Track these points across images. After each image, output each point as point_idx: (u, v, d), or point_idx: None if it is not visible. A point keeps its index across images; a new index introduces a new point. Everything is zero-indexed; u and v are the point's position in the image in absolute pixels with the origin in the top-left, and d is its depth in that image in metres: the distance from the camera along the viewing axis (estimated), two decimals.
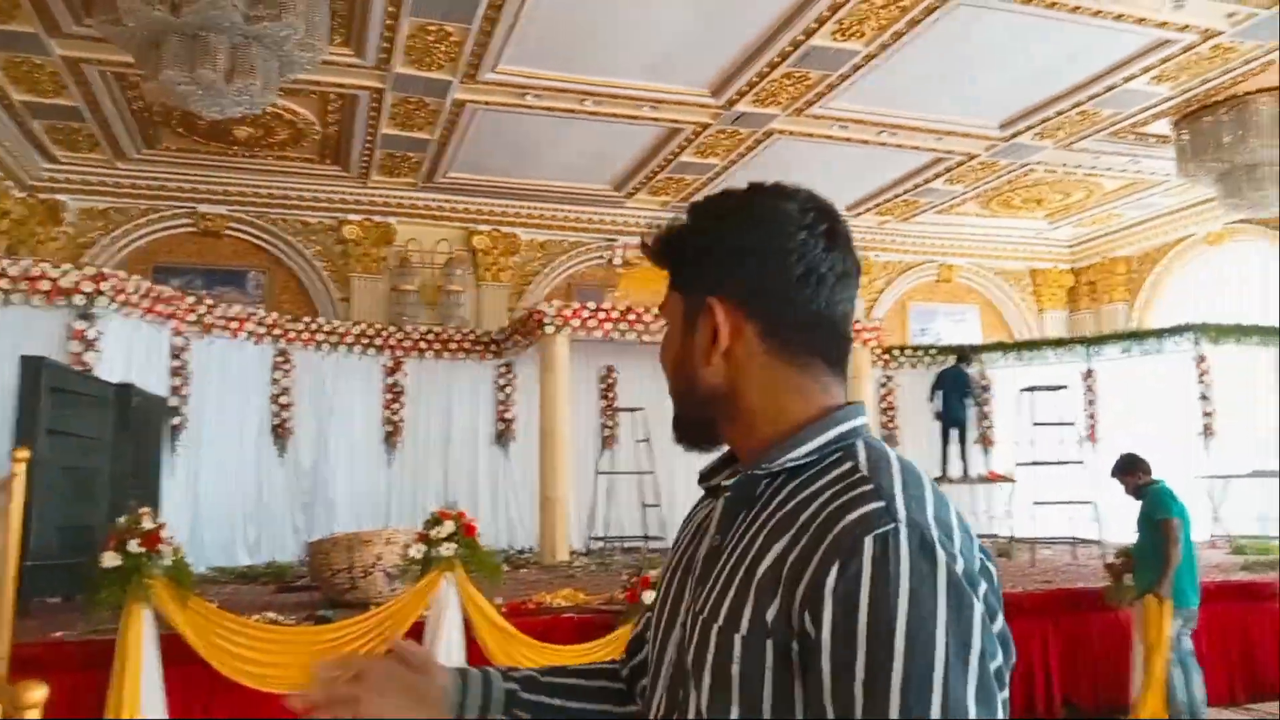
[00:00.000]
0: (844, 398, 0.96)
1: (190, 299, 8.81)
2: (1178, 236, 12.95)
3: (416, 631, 4.64)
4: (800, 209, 0.96)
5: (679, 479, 10.87)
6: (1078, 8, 7.34)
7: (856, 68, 8.38)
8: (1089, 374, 11.31)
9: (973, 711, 0.72)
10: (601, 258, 12.27)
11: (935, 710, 0.72)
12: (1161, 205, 12.47)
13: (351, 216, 11.45)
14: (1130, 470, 5.48)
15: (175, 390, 8.51)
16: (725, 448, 1.03)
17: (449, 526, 4.75)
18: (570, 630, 5.08)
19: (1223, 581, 6.52)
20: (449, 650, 4.55)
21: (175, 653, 4.32)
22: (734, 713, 0.82)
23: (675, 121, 9.55)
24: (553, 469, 8.86)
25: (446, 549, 4.71)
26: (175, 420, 8.46)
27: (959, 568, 0.78)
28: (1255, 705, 5.92)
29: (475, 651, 4.69)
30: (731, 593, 0.85)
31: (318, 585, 6.09)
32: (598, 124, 9.56)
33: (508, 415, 10.62)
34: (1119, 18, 7.51)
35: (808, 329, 0.94)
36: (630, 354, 10.82)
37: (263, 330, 9.58)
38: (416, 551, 4.75)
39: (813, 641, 0.77)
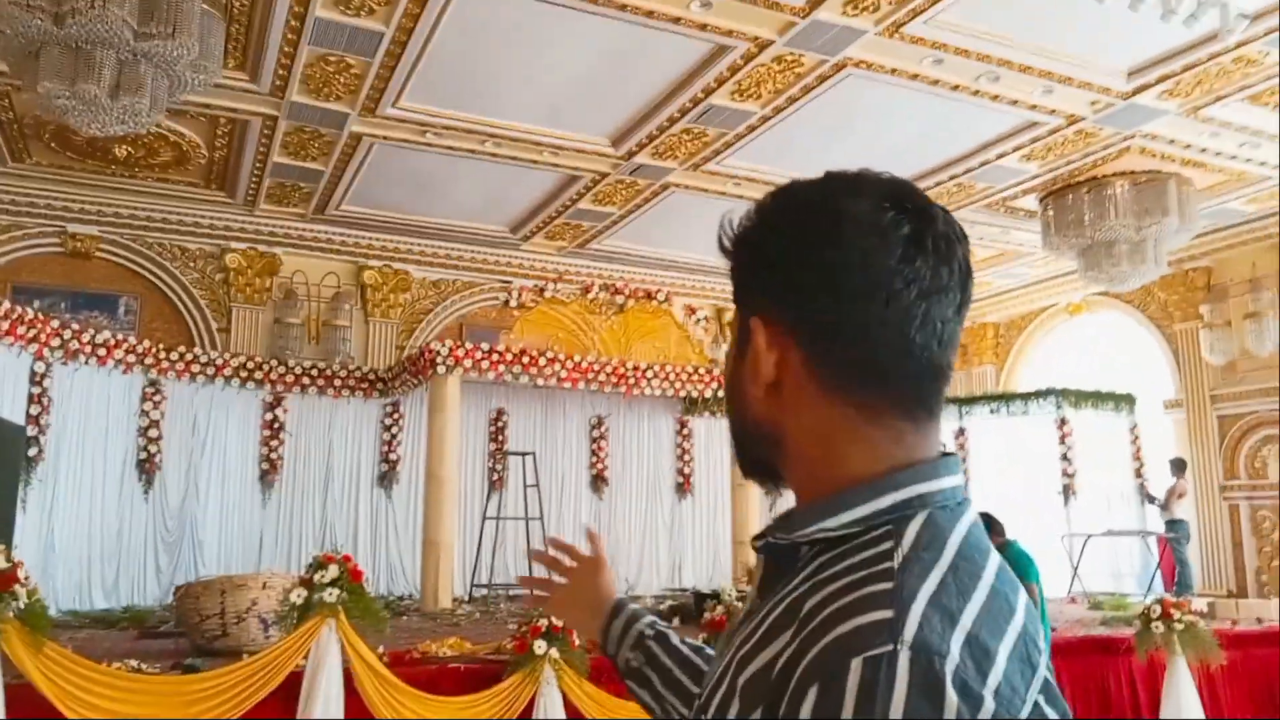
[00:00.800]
0: (926, 451, 0.76)
1: (55, 323, 8.31)
2: (1042, 305, 13.77)
3: (294, 681, 4.43)
4: (874, 206, 0.76)
5: (567, 524, 10.81)
6: (957, 86, 7.81)
7: (752, 128, 8.66)
8: (961, 432, 11.84)
9: None
10: (496, 299, 12.19)
11: None
12: (1028, 275, 13.25)
13: (235, 244, 11.05)
14: (995, 530, 5.74)
15: (33, 419, 7.98)
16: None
17: (334, 571, 4.57)
18: (457, 680, 4.94)
19: (1083, 636, 6.87)
20: (328, 700, 4.36)
21: (24, 702, 4.00)
22: None
23: (574, 168, 9.63)
24: (438, 512, 8.66)
25: (330, 595, 4.53)
26: (32, 451, 7.91)
27: (981, 715, 0.59)
28: None
29: (355, 703, 4.51)
30: (725, 684, 0.71)
31: (184, 632, 5.75)
32: (497, 166, 9.55)
33: (392, 456, 10.36)
34: (995, 98, 8.01)
35: (872, 362, 0.74)
36: (522, 397, 10.76)
37: (133, 359, 9.10)
38: (297, 597, 4.55)
39: None
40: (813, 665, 0.62)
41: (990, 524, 5.68)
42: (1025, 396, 11.68)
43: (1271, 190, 10.00)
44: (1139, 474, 11.38)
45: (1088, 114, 8.27)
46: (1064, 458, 11.08)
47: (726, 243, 0.85)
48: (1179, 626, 6.02)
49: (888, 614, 0.62)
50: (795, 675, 0.63)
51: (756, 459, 0.82)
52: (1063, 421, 11.15)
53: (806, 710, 0.60)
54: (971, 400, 12.12)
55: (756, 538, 0.82)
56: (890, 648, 0.60)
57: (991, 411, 11.70)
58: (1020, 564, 5.47)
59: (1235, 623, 7.65)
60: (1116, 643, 6.64)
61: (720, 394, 10.34)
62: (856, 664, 0.60)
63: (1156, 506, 11.09)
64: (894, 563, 0.67)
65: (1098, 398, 11.36)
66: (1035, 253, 11.92)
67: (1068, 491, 11.01)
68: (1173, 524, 10.61)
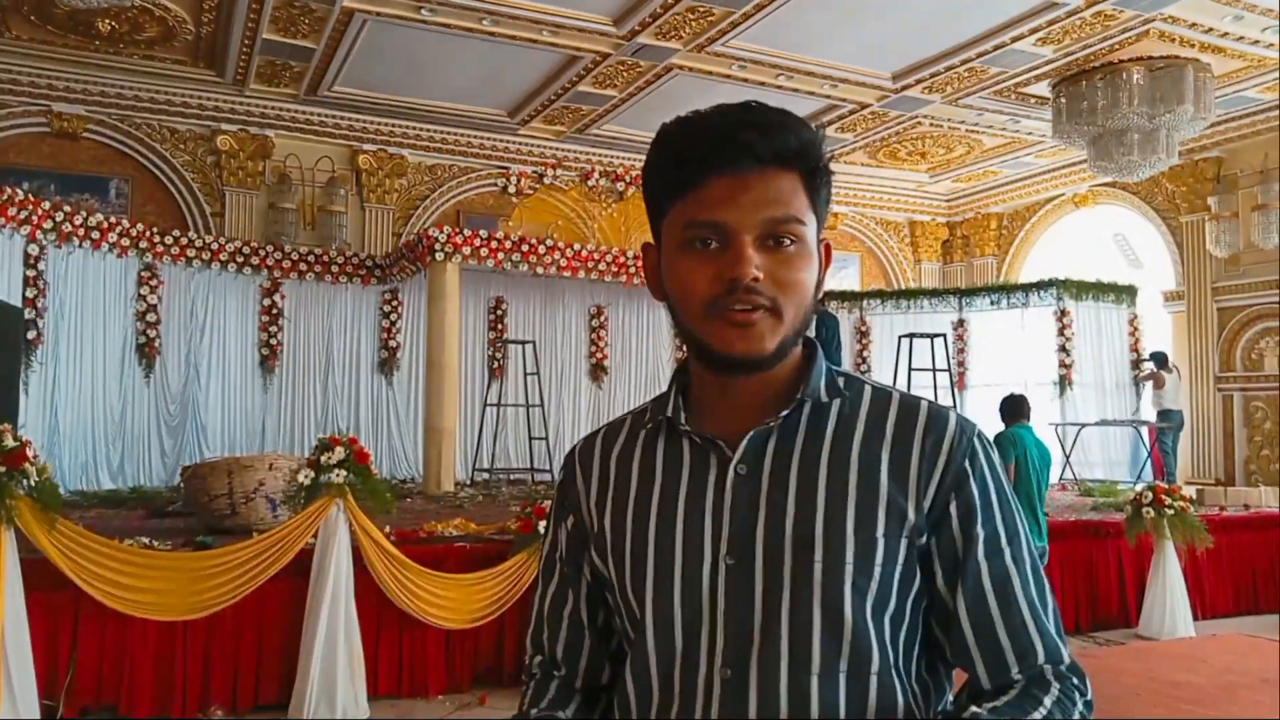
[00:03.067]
0: None
1: (46, 205, 8.16)
2: (1047, 196, 13.59)
3: (304, 558, 4.52)
4: None
5: (567, 412, 10.91)
6: None
7: (760, 6, 8.34)
8: (960, 324, 11.84)
9: None
10: (494, 185, 11.98)
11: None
12: (1035, 165, 13.03)
13: (225, 126, 10.77)
14: (1007, 413, 5.85)
15: (30, 302, 7.91)
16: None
17: (340, 453, 4.61)
18: (462, 559, 5.05)
19: (1074, 520, 7.03)
20: (338, 577, 4.46)
21: (39, 579, 4.08)
22: (868, 611, 0.96)
23: (575, 48, 9.32)
24: (439, 399, 8.71)
25: (337, 475, 4.58)
26: (31, 334, 7.88)
27: None
28: (1098, 633, 6.45)
29: (365, 580, 4.61)
30: (851, 503, 0.97)
31: (193, 511, 5.84)
32: (494, 45, 9.23)
33: (392, 343, 10.35)
34: None
35: None
36: (521, 286, 10.70)
37: (127, 243, 8.97)
38: (305, 477, 4.60)
39: (953, 518, 0.99)
40: (955, 443, 1.03)
41: (1019, 405, 5.83)
42: (1026, 288, 11.63)
43: None
44: (1135, 365, 11.44)
45: None
46: (1062, 349, 11.11)
47: (819, 157, 1.02)
48: (1169, 512, 6.15)
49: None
50: (941, 456, 1.02)
51: (782, 354, 1.01)
52: (1063, 313, 11.14)
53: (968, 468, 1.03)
54: (972, 291, 12.08)
55: (660, 421, 1.08)
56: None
57: (992, 303, 11.68)
58: (1002, 445, 5.59)
59: (1224, 509, 7.82)
60: (1106, 526, 6.80)
61: None
62: (977, 437, 1.07)
63: (1139, 385, 11.23)
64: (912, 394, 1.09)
65: (1099, 289, 11.31)
66: (1044, 141, 11.69)
67: (1064, 382, 11.08)
68: (1164, 414, 10.73)
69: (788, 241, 0.98)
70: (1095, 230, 13.53)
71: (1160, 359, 11.02)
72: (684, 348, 1.06)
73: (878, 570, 0.96)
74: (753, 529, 0.98)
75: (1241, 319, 11.24)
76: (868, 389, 1.05)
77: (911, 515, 0.97)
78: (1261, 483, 9.92)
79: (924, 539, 0.98)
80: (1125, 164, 9.63)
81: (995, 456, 1.02)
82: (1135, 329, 11.53)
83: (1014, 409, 5.91)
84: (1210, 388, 11.38)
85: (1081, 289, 11.19)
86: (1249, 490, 8.98)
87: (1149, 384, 11.00)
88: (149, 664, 4.37)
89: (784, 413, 1.00)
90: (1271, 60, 9.29)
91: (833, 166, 1.05)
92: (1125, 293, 11.55)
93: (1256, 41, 8.84)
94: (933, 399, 1.10)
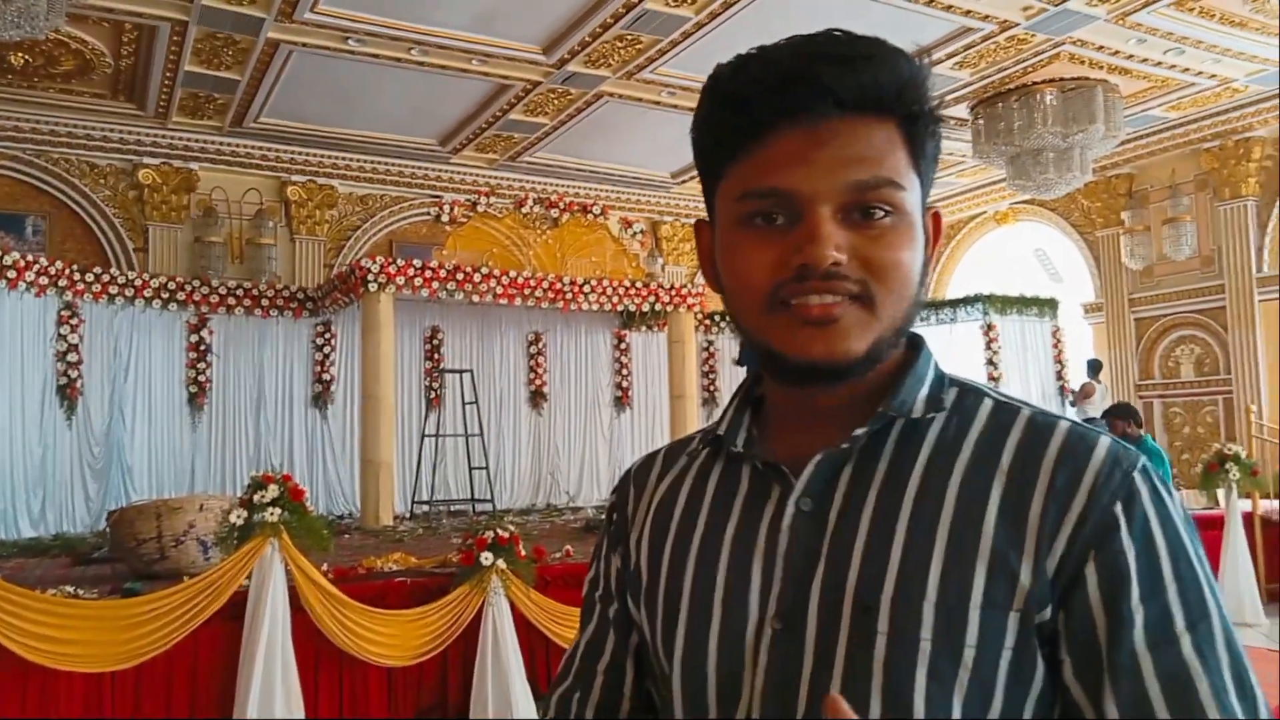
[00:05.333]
0: None
1: None
2: (970, 215, 13.99)
3: (238, 601, 4.40)
4: None
5: (507, 440, 10.84)
6: None
7: (686, 34, 8.48)
8: None
9: None
10: (426, 214, 11.90)
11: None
12: (957, 185, 13.40)
13: (148, 160, 10.54)
14: (1122, 416, 6.04)
15: None
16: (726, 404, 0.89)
17: (273, 490, 4.51)
18: (404, 594, 4.96)
19: None
20: (274, 618, 4.35)
21: None
22: (956, 712, 0.69)
23: (505, 77, 9.34)
24: (375, 432, 8.58)
25: (271, 514, 4.48)
26: None
27: None
28: None
29: (302, 620, 4.51)
30: (937, 555, 0.71)
31: (119, 557, 5.64)
32: (424, 75, 9.22)
33: (325, 376, 10.18)
34: (930, 3, 7.96)
35: None
36: (457, 314, 10.63)
37: (45, 281, 8.69)
38: (237, 517, 4.49)
39: (1090, 587, 0.69)
40: (1101, 485, 0.73)
41: (1130, 413, 6.02)
42: (953, 303, 11.93)
43: (1192, 96, 10.21)
44: (1060, 376, 11.79)
45: (1020, 19, 8.28)
46: (990, 362, 11.41)
47: (925, 98, 0.78)
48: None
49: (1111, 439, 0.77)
50: (1077, 503, 0.73)
51: (883, 352, 0.78)
52: (989, 327, 11.44)
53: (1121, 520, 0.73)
54: None
55: (720, 442, 0.86)
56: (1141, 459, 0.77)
57: (921, 319, 11.87)
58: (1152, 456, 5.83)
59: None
60: None
61: (657, 308, 10.35)
62: (1138, 475, 0.74)
63: (1070, 405, 11.57)
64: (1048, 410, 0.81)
65: (1022, 303, 11.66)
66: (965, 161, 12.04)
67: None
68: (1090, 422, 11.05)
69: (880, 213, 0.74)
70: (1017, 246, 13.96)
71: (1095, 366, 11.39)
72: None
73: (969, 654, 0.69)
74: (808, 585, 0.75)
75: (1158, 328, 11.68)
76: (987, 403, 0.79)
77: (1027, 578, 0.70)
78: (1184, 487, 10.28)
79: (1048, 613, 0.70)
80: (1042, 182, 9.98)
81: (1171, 502, 0.72)
82: (1058, 341, 11.90)
83: (1138, 417, 6.14)
84: (1131, 395, 11.78)
85: (1006, 303, 11.52)
86: None
87: (1083, 399, 11.32)
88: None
89: (860, 431, 0.76)
90: (1175, 80, 9.73)
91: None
92: (1047, 306, 11.93)
93: (1159, 63, 9.25)
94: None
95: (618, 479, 0.97)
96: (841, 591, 0.73)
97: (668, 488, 0.89)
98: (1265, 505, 7.78)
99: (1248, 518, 7.33)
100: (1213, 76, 9.64)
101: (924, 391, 0.79)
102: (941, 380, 0.81)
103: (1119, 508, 0.70)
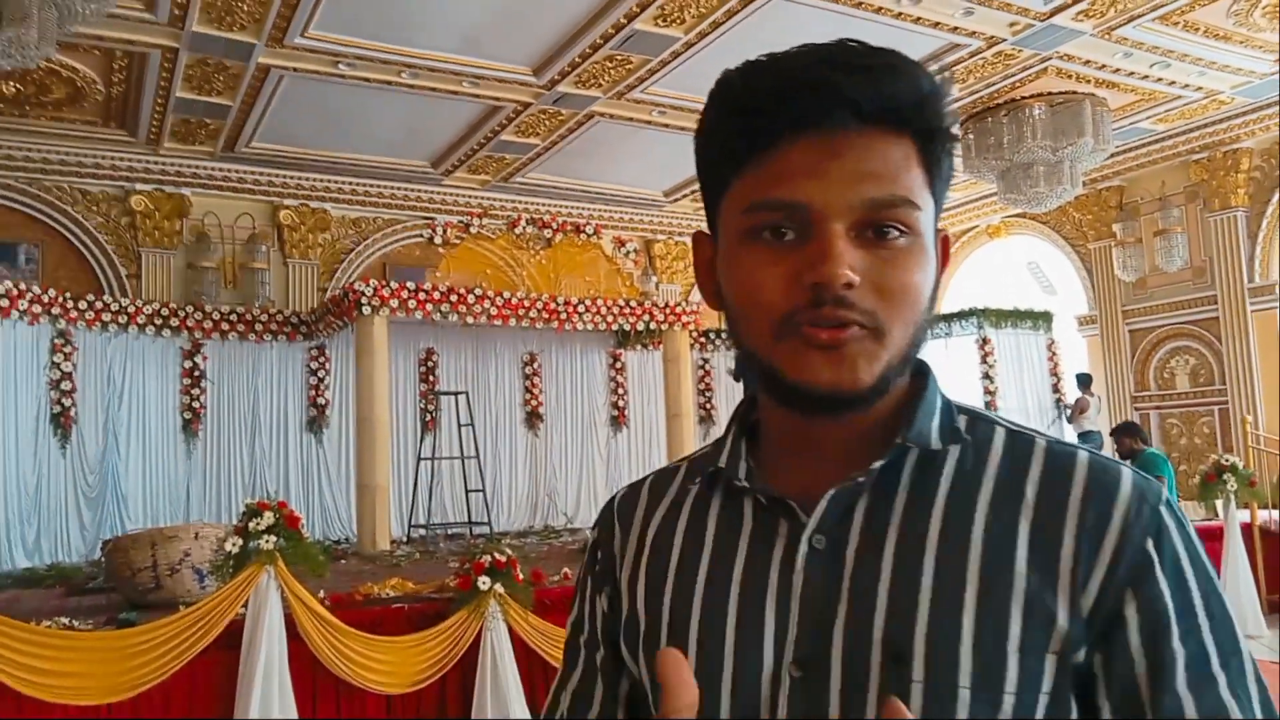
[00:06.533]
0: None
1: None
2: (963, 228, 14.04)
3: (234, 630, 4.37)
4: None
5: (504, 462, 10.81)
6: (880, 9, 7.79)
7: (676, 54, 8.52)
8: None
9: None
10: (419, 236, 11.91)
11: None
12: (950, 199, 13.34)
13: (140, 186, 10.54)
14: (1128, 433, 6.10)
15: None
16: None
17: (269, 518, 4.48)
18: (400, 621, 4.93)
19: None
20: (271, 647, 4.31)
21: None
22: None
23: (496, 99, 9.38)
24: (371, 455, 8.55)
25: (266, 542, 4.45)
26: None
27: None
28: None
29: (299, 648, 4.47)
30: (970, 598, 0.68)
31: (115, 587, 5.60)
32: (415, 97, 9.24)
33: (320, 400, 10.15)
34: (916, 20, 8.02)
35: None
36: (452, 336, 10.62)
37: (39, 309, 8.67)
38: (233, 545, 4.46)
39: (1132, 629, 0.67)
40: (1131, 519, 0.71)
41: (1135, 430, 6.11)
42: (948, 317, 11.95)
43: (1180, 109, 10.28)
44: (1056, 389, 11.80)
45: (1006, 35, 8.34)
46: (985, 376, 11.42)
47: (944, 115, 0.74)
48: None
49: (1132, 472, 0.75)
50: (1110, 540, 0.70)
51: (890, 381, 0.74)
52: (984, 341, 11.46)
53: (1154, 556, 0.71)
54: None
55: (715, 472, 0.81)
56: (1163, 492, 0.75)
57: None
58: (1157, 467, 5.91)
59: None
60: None
61: (652, 327, 10.36)
62: (1164, 508, 0.73)
63: (1066, 421, 11.58)
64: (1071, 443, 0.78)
65: (1017, 316, 11.69)
66: (956, 176, 12.07)
67: (989, 408, 11.36)
68: (1084, 436, 11.08)
69: (895, 232, 0.71)
70: (1010, 259, 14.01)
71: (1085, 380, 11.41)
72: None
73: (1009, 700, 0.66)
74: (829, 628, 0.70)
75: (1152, 340, 11.71)
76: (1000, 432, 0.76)
77: (1063, 620, 0.67)
78: (1182, 498, 10.27)
79: (1081, 654, 0.68)
80: (1033, 195, 10.03)
81: (1194, 535, 0.71)
82: (1054, 353, 11.92)
83: (1143, 434, 6.25)
84: (1127, 407, 11.79)
85: (1000, 317, 11.55)
86: None
87: (1079, 414, 11.33)
88: None
89: (877, 464, 0.72)
90: (1162, 93, 9.80)
91: None
92: (1042, 319, 11.95)
93: (1146, 76, 9.32)
94: (1095, 448, 0.79)
95: (599, 512, 0.91)
96: (868, 636, 0.69)
97: (661, 523, 0.83)
98: (1263, 515, 7.77)
99: (1246, 528, 7.32)
100: (1199, 89, 9.72)
101: (936, 420, 0.75)
102: (950, 408, 0.77)
103: (1150, 544, 0.68)
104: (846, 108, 0.68)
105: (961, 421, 0.76)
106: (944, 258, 0.77)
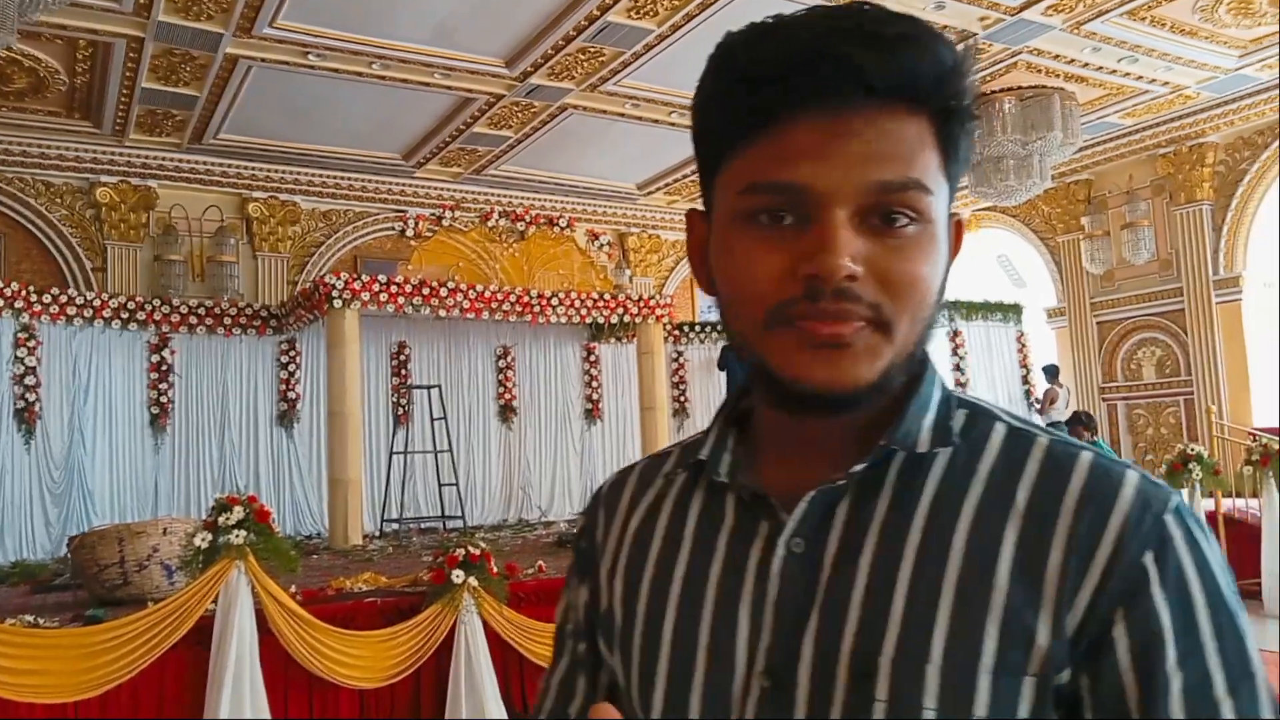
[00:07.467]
0: None
1: None
2: None
3: (204, 626, 4.32)
4: None
5: (477, 456, 10.76)
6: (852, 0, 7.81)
7: (649, 46, 8.50)
8: None
9: None
10: (391, 229, 11.81)
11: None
12: None
13: (105, 178, 10.37)
14: (1085, 425, 6.17)
15: None
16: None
17: (239, 512, 4.43)
18: (374, 615, 4.90)
19: None
20: (241, 643, 4.26)
21: None
22: None
23: (468, 90, 9.31)
24: (343, 450, 8.48)
25: (236, 536, 4.40)
26: None
27: None
28: None
29: (270, 644, 4.43)
30: (944, 612, 0.63)
31: (81, 584, 5.52)
32: (386, 89, 9.16)
33: (290, 394, 10.04)
34: None
35: None
36: (424, 329, 10.56)
37: (1, 303, 8.52)
38: (202, 540, 4.40)
39: (1120, 651, 0.61)
40: (1129, 530, 0.65)
41: (1085, 421, 6.15)
42: None
43: (1147, 103, 10.40)
44: (1026, 380, 11.93)
45: (977, 29, 8.39)
46: (956, 368, 11.52)
47: (963, 90, 0.67)
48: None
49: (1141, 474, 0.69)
50: (1103, 552, 0.65)
51: (898, 376, 0.69)
52: (955, 333, 11.56)
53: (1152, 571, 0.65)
54: None
55: (698, 465, 0.77)
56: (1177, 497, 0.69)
57: None
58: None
59: None
60: None
61: (625, 320, 10.34)
62: (1170, 517, 0.66)
63: (1036, 413, 11.71)
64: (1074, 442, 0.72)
65: (987, 308, 11.80)
66: None
67: None
68: (1054, 425, 11.20)
69: (904, 220, 0.65)
70: (981, 252, 14.13)
71: (1053, 371, 11.54)
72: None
73: None
74: (799, 638, 0.67)
75: (1119, 331, 11.87)
76: (999, 429, 0.70)
77: (1044, 639, 0.62)
78: None
79: (1065, 676, 0.62)
80: (1003, 189, 10.12)
81: (1209, 545, 0.64)
82: (1023, 345, 12.05)
83: (1093, 424, 6.30)
84: (1095, 398, 11.95)
85: (971, 309, 11.65)
86: None
87: (1049, 404, 11.46)
88: None
89: (859, 466, 0.68)
90: (1130, 88, 9.91)
91: None
92: (1011, 311, 12.08)
93: (1114, 71, 9.42)
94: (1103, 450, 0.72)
95: (590, 496, 0.88)
96: (836, 649, 0.65)
97: (643, 516, 0.80)
98: (1228, 504, 7.90)
99: (1211, 517, 7.44)
100: (1165, 84, 9.84)
101: (929, 419, 0.70)
102: (948, 403, 0.71)
103: (1149, 558, 0.62)
104: (858, 81, 0.62)
105: (959, 418, 0.71)
106: (957, 245, 0.72)
